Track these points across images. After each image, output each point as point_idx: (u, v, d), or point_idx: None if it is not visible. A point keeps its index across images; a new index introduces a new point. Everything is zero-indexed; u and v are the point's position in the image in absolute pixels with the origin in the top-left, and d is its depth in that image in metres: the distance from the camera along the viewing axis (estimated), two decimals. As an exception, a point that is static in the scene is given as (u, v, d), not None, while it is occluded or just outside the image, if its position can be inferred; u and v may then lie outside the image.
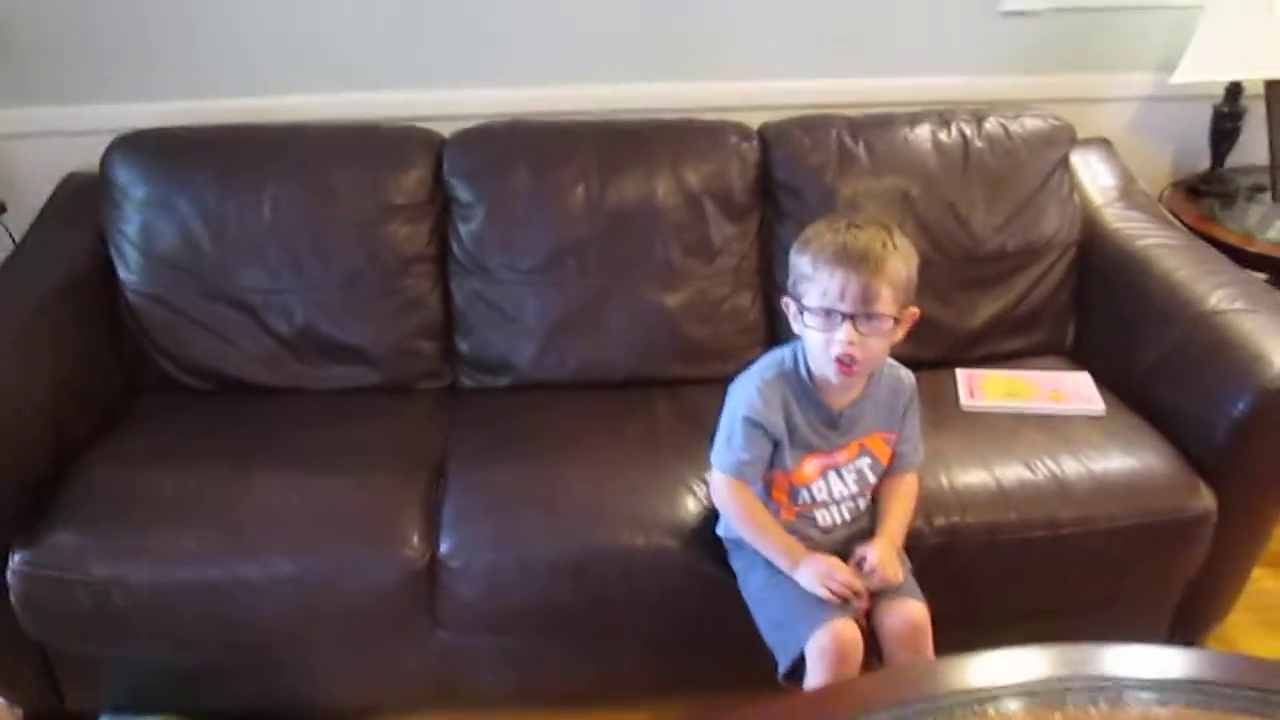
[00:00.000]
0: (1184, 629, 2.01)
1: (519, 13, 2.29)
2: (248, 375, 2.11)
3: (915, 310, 1.58)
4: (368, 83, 2.31)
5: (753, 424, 1.59)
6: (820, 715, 1.21)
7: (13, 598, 1.69)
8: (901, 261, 1.52)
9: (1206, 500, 1.82)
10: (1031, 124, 2.24)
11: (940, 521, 1.77)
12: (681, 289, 2.14)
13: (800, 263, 1.55)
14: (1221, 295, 1.95)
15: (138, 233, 2.08)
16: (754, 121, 2.24)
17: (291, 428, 1.98)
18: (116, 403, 2.06)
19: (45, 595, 1.70)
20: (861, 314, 1.50)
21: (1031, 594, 1.85)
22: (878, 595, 1.60)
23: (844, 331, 1.50)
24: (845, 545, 1.66)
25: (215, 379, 2.11)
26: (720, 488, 1.65)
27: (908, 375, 1.72)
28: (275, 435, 1.95)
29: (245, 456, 1.87)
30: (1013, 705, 1.25)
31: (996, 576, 1.81)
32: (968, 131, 2.21)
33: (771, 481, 1.65)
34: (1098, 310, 2.22)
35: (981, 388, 2.07)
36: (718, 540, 1.73)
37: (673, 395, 2.08)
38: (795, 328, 1.59)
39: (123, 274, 2.09)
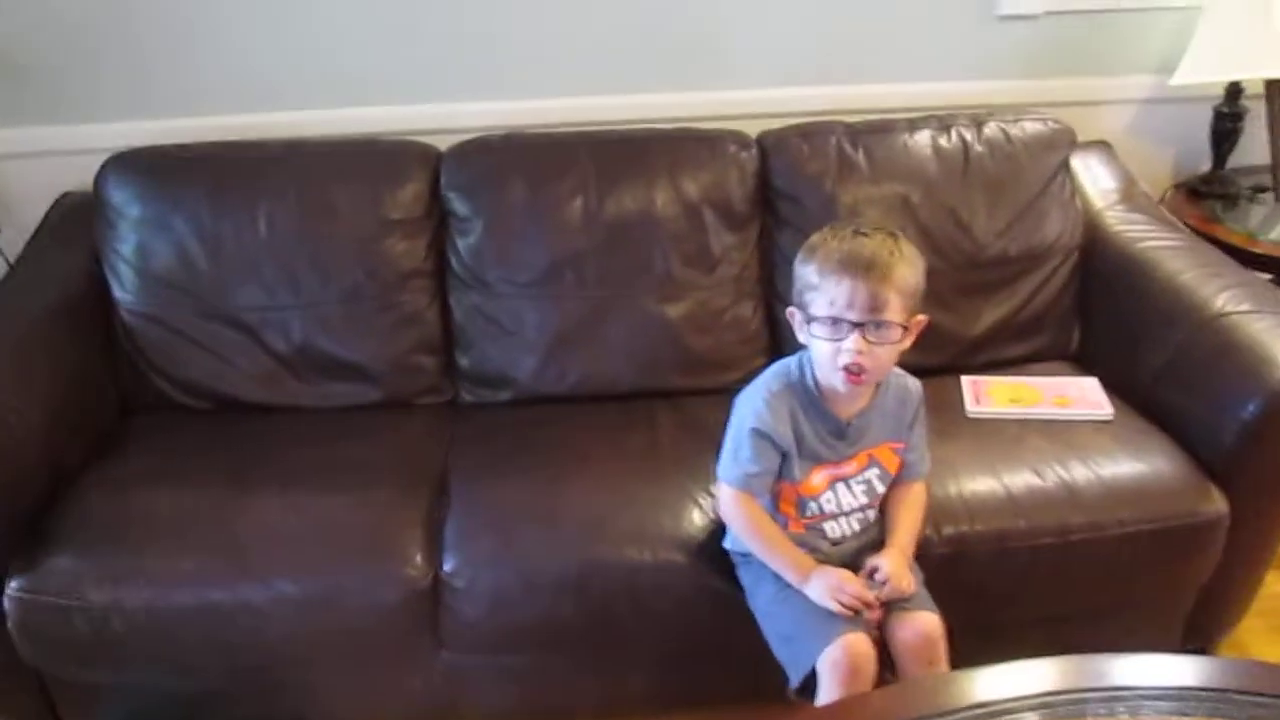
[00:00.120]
0: (1196, 635, 1.99)
1: (514, 25, 2.27)
2: (245, 394, 2.09)
3: (923, 318, 1.57)
4: (363, 97, 2.29)
5: (760, 436, 1.57)
6: (836, 732, 1.19)
7: (9, 624, 1.67)
8: (909, 268, 1.51)
9: (1218, 504, 1.80)
10: (1031, 128, 2.23)
11: (949, 530, 1.75)
12: (682, 300, 2.12)
13: (806, 272, 1.53)
14: (1227, 297, 1.93)
15: (133, 252, 2.06)
16: (752, 130, 2.23)
17: (290, 446, 1.96)
18: (112, 424, 2.04)
19: (42, 621, 1.67)
20: (870, 323, 1.48)
21: (1042, 602, 1.83)
22: (890, 607, 1.58)
23: (852, 341, 1.48)
24: (855, 557, 1.64)
25: (212, 398, 2.09)
26: (727, 501, 1.63)
27: (915, 384, 1.70)
28: (274, 454, 1.93)
29: (244, 476, 1.85)
30: (1031, 718, 1.23)
31: (1007, 585, 1.79)
32: (968, 136, 2.19)
33: (779, 494, 1.63)
34: (1102, 314, 2.20)
35: (987, 394, 2.05)
36: (725, 554, 1.71)
37: (675, 407, 2.07)
38: (801, 337, 1.58)
39: (118, 294, 2.08)
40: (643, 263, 2.11)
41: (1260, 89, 2.37)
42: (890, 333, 1.50)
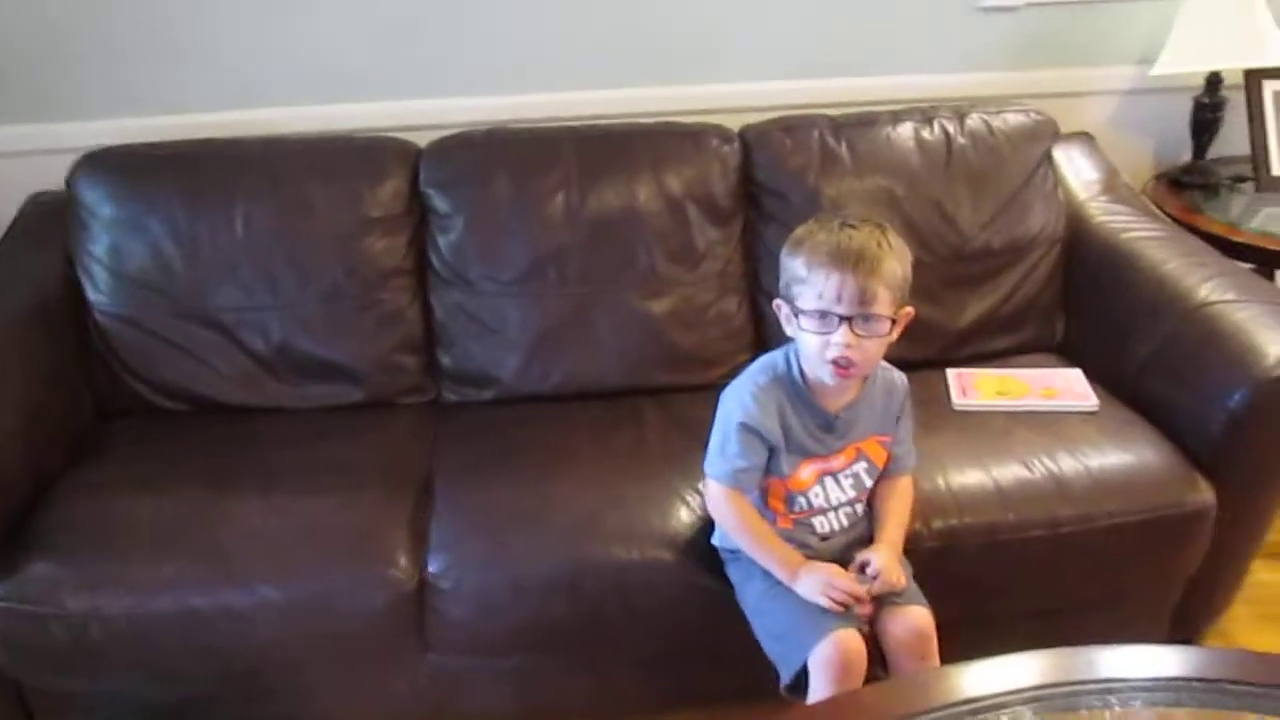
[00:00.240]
0: (1183, 625, 2.00)
1: (494, 21, 2.25)
2: (224, 396, 2.06)
3: (910, 310, 1.56)
4: (340, 94, 2.27)
5: (748, 430, 1.56)
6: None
7: (-14, 634, 1.64)
8: (897, 261, 1.50)
9: (1205, 494, 1.80)
10: (1014, 119, 2.23)
11: (938, 524, 1.74)
12: (666, 296, 2.11)
13: (793, 264, 1.52)
14: (1211, 287, 1.94)
15: (106, 252, 2.03)
16: (734, 124, 2.21)
17: (271, 448, 1.93)
18: (88, 428, 2.01)
19: (19, 630, 1.64)
20: (858, 316, 1.47)
21: (1032, 594, 1.83)
22: (881, 603, 1.57)
23: (841, 334, 1.47)
24: (844, 552, 1.63)
25: (190, 400, 2.06)
26: (716, 497, 1.61)
27: (900, 378, 1.69)
28: (254, 456, 1.90)
29: (224, 479, 1.82)
30: (1025, 712, 1.22)
31: (996, 578, 1.79)
32: (950, 129, 2.19)
33: (767, 489, 1.62)
34: (1086, 306, 2.20)
35: (974, 387, 2.04)
36: (714, 551, 1.70)
37: (661, 404, 2.05)
38: (788, 330, 1.57)
39: (91, 295, 2.04)
40: (626, 259, 2.09)
41: (1240, 79, 2.39)
42: (879, 326, 1.49)
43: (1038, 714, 1.23)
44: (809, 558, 1.59)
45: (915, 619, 1.56)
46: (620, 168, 2.10)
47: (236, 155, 2.10)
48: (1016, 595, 1.82)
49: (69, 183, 2.06)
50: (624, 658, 1.83)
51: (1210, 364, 1.83)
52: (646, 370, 2.11)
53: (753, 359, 1.70)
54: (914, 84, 2.37)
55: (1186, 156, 2.51)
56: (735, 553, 1.65)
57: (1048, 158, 2.24)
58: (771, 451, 1.58)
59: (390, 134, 2.17)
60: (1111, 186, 2.30)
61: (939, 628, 1.57)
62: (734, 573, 1.67)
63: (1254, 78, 2.38)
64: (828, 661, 1.47)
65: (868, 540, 1.64)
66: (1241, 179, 2.45)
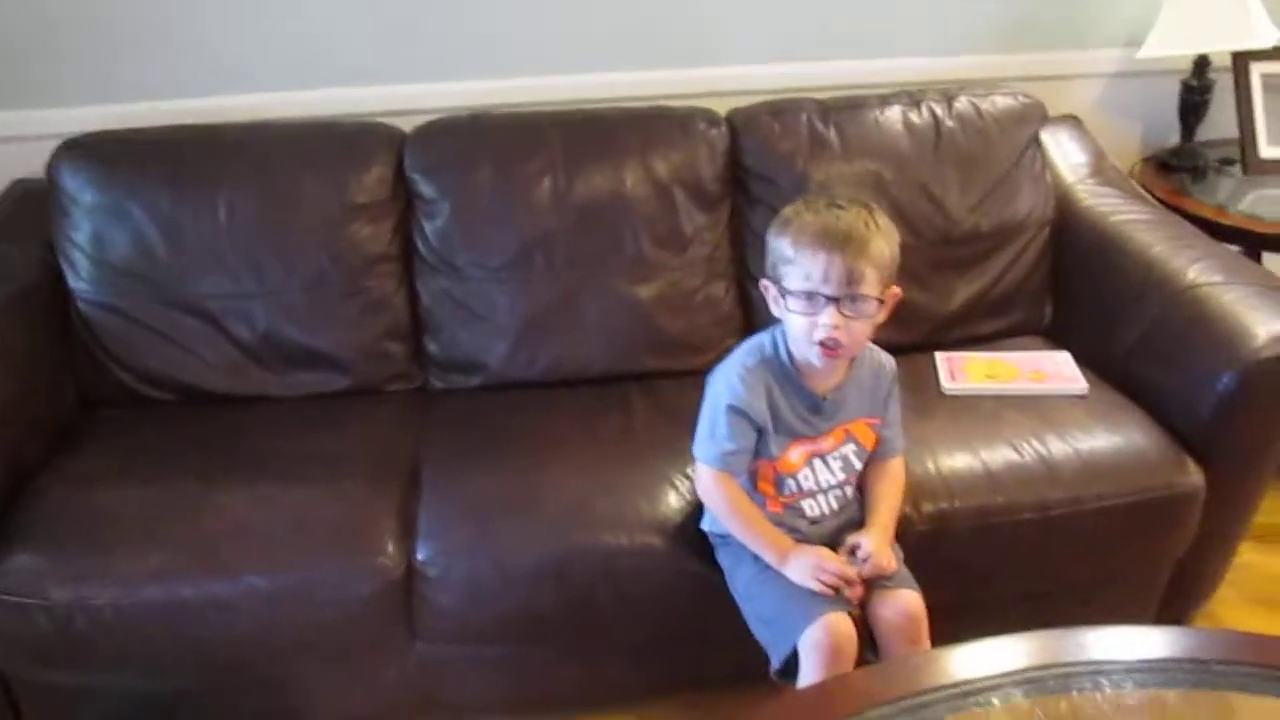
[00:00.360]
0: (1172, 607, 2.00)
1: (479, 5, 2.23)
2: (209, 384, 2.04)
3: (898, 290, 1.55)
4: (324, 79, 2.24)
5: (737, 412, 1.55)
6: (823, 715, 1.17)
7: (-31, 626, 1.62)
8: (884, 241, 1.49)
9: (1194, 476, 1.80)
10: (1002, 102, 2.22)
11: (929, 508, 1.74)
12: (654, 281, 2.10)
13: (780, 245, 1.51)
14: (1199, 269, 1.94)
15: (88, 240, 2.01)
16: (721, 109, 2.20)
17: (257, 437, 1.92)
18: (72, 417, 1.99)
19: (3, 622, 1.63)
20: (846, 296, 1.46)
21: (1022, 578, 1.83)
22: (871, 586, 1.57)
23: (828, 315, 1.46)
24: (834, 536, 1.62)
25: (175, 389, 2.04)
26: (705, 481, 1.61)
27: (888, 360, 1.69)
28: (240, 445, 1.89)
29: (210, 469, 1.81)
30: (1016, 694, 1.23)
31: (987, 561, 1.79)
32: (938, 111, 2.18)
33: (757, 472, 1.62)
34: (1074, 289, 2.20)
35: (963, 371, 2.04)
36: (703, 536, 1.69)
37: (648, 390, 2.04)
38: (775, 311, 1.56)
39: (74, 283, 2.02)
40: (613, 244, 2.08)
41: (1227, 62, 2.38)
42: (866, 306, 1.49)
43: (1029, 696, 1.23)
44: (799, 542, 1.58)
45: (906, 602, 1.56)
46: (607, 152, 2.09)
47: (220, 141, 2.08)
48: (1007, 578, 1.83)
49: (50, 169, 2.03)
50: (613, 645, 1.82)
51: (1198, 346, 1.83)
52: (634, 356, 2.10)
53: (740, 343, 1.69)
54: (902, 67, 2.36)
55: (1174, 139, 2.51)
56: (725, 537, 1.65)
57: (1036, 141, 2.24)
58: (760, 434, 1.58)
59: (375, 119, 2.15)
60: (1099, 169, 2.30)
61: (930, 611, 1.57)
62: (724, 558, 1.66)
63: (1241, 60, 2.38)
64: (818, 645, 1.47)
65: (858, 524, 1.64)
66: (1229, 161, 2.45)
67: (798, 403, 1.59)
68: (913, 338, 2.11)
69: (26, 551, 1.64)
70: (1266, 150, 2.40)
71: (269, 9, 2.17)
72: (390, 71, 2.26)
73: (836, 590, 1.52)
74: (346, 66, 2.24)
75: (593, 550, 1.69)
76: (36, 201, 2.06)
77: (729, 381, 1.57)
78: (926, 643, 1.55)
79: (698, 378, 1.69)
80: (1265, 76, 2.39)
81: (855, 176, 2.12)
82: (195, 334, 2.02)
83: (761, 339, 1.62)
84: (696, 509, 1.70)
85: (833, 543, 1.61)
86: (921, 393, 1.97)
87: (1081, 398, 1.94)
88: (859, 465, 1.66)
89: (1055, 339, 2.18)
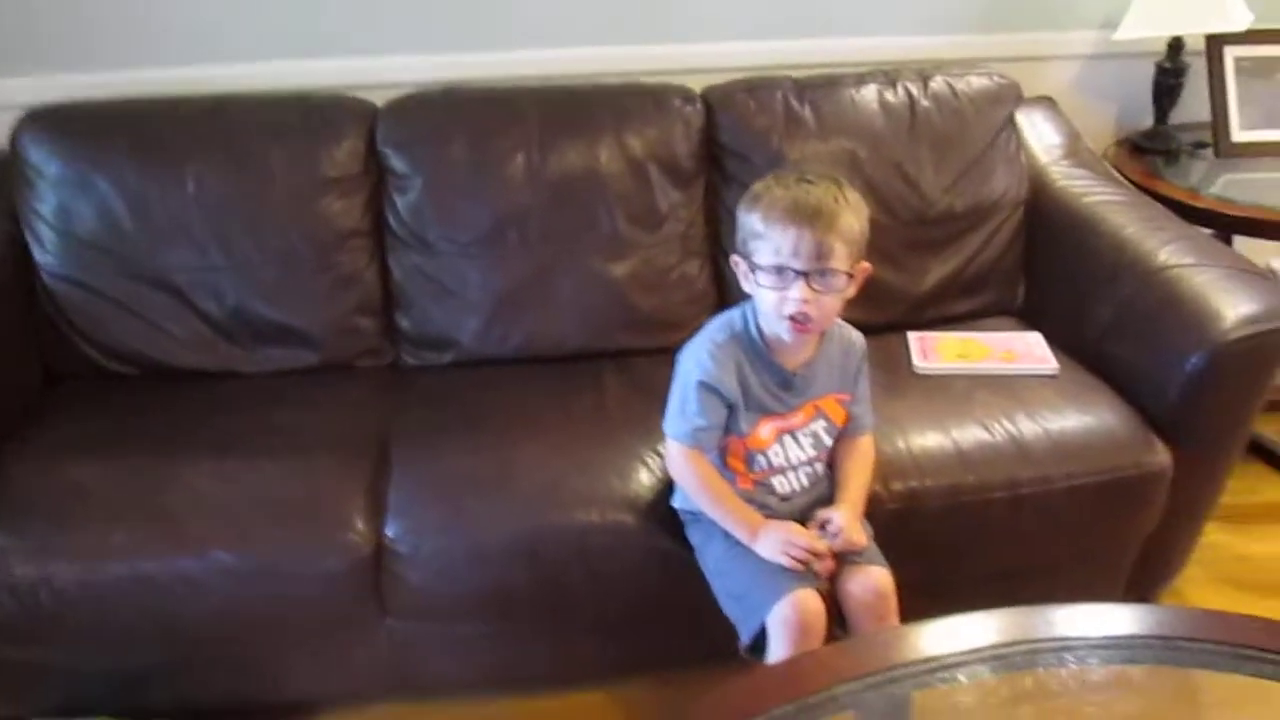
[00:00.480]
0: (1139, 586, 2.02)
1: (452, -24, 2.20)
2: (177, 359, 2.02)
3: (867, 265, 1.55)
4: (295, 50, 2.20)
5: (707, 388, 1.55)
6: (791, 690, 1.17)
7: (-69, 602, 1.60)
8: (854, 216, 1.49)
9: (1162, 456, 1.82)
10: (978, 83, 2.21)
11: (899, 486, 1.74)
12: (628, 258, 2.09)
13: (750, 220, 1.51)
14: (1170, 251, 1.94)
15: (53, 213, 1.98)
16: (697, 85, 2.18)
17: (225, 413, 1.90)
18: (36, 392, 1.96)
19: (-35, 598, 1.61)
20: (815, 271, 1.46)
21: (991, 556, 1.84)
22: (841, 563, 1.57)
23: (798, 289, 1.46)
24: (805, 513, 1.62)
25: (142, 364, 2.02)
26: (676, 457, 1.61)
27: (858, 336, 1.70)
28: (208, 421, 1.87)
29: (177, 444, 1.79)
30: (983, 670, 1.23)
31: (957, 539, 1.79)
32: (914, 91, 2.18)
33: (727, 448, 1.62)
34: (1047, 269, 2.21)
35: (935, 350, 2.05)
36: (674, 514, 1.69)
37: (621, 367, 2.04)
38: (746, 287, 1.56)
39: (38, 256, 1.99)
40: (587, 221, 2.07)
41: (1201, 45, 2.38)
42: (836, 280, 1.48)
43: (995, 672, 1.25)
44: (769, 518, 1.58)
45: (875, 579, 1.56)
46: (581, 128, 2.07)
47: (188, 113, 2.05)
48: (976, 556, 1.83)
49: (13, 140, 1.99)
50: (584, 622, 1.82)
51: (1168, 328, 1.84)
52: (607, 333, 2.09)
53: (711, 320, 1.68)
54: (878, 46, 2.35)
55: (1148, 122, 2.51)
56: (696, 514, 1.65)
57: (1011, 121, 2.24)
58: (730, 410, 1.58)
59: (347, 92, 2.12)
60: (1074, 151, 2.30)
61: (899, 589, 1.57)
62: (694, 535, 1.66)
63: (1215, 43, 2.39)
64: (786, 621, 1.47)
65: (828, 501, 1.64)
66: (1202, 145, 2.45)
67: (768, 379, 1.59)
68: (886, 317, 2.12)
69: (-11, 527, 1.62)
70: (1238, 134, 2.40)
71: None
72: (363, 44, 2.22)
73: (806, 565, 1.52)
74: (318, 38, 2.21)
75: (564, 527, 1.68)
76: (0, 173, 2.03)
77: (699, 358, 1.57)
78: (895, 619, 1.56)
79: (671, 355, 1.67)
80: (1238, 60, 2.39)
81: (830, 155, 2.11)
82: (162, 308, 2.00)
83: (732, 315, 1.61)
84: (668, 486, 1.70)
85: (803, 519, 1.61)
86: (894, 372, 1.97)
87: (1052, 378, 1.95)
88: (829, 442, 1.67)
89: (1028, 319, 2.19)
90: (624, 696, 1.90)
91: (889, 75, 2.20)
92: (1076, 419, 1.84)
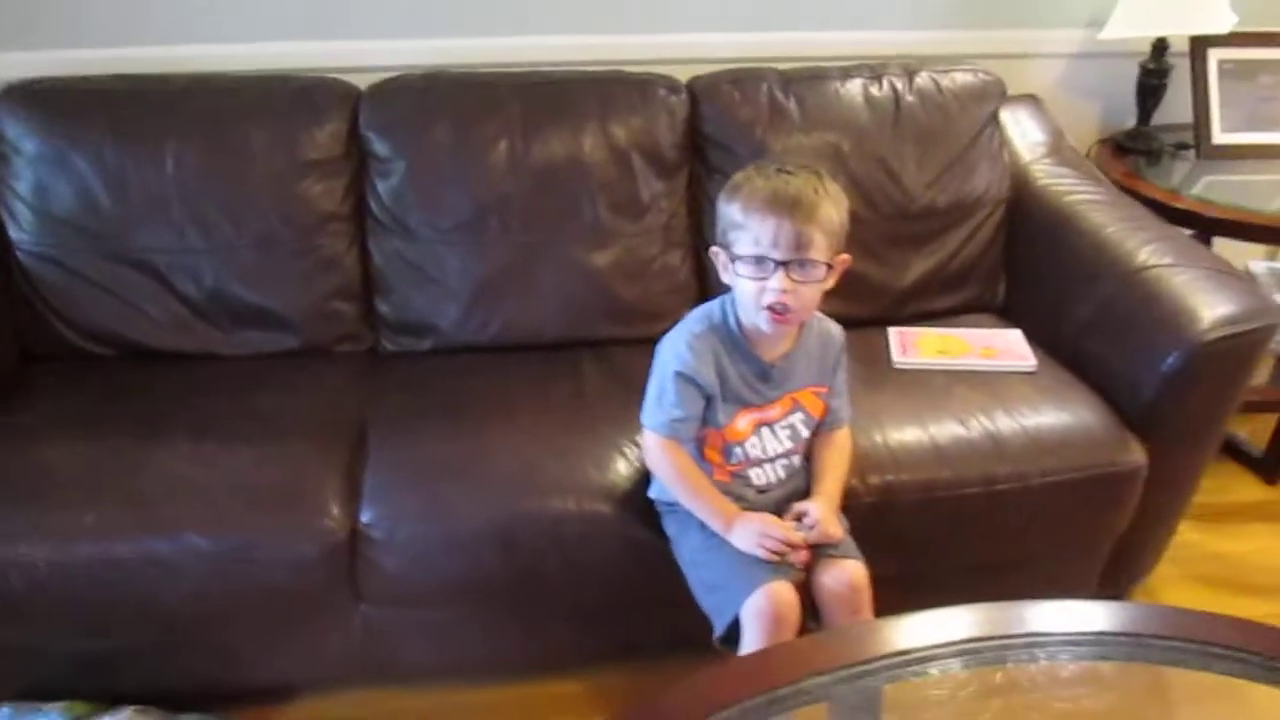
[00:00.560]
0: (1111, 583, 2.03)
1: (437, -40, 2.19)
2: (154, 341, 2.01)
3: (846, 256, 1.55)
4: (278, 32, 2.19)
5: (684, 379, 1.55)
6: (764, 682, 1.17)
7: (-101, 583, 1.58)
8: (833, 207, 1.49)
9: (1137, 454, 1.82)
10: (962, 79, 2.22)
11: (875, 480, 1.75)
12: (610, 248, 2.08)
13: (730, 210, 1.51)
14: (1150, 251, 1.95)
15: (30, 190, 1.96)
16: (683, 76, 2.18)
17: (201, 395, 1.89)
18: (11, 371, 1.94)
19: (-67, 579, 1.59)
20: (795, 261, 1.46)
21: (966, 551, 1.85)
22: (816, 555, 1.58)
23: (777, 279, 1.46)
24: (781, 505, 1.63)
25: (118, 345, 2.01)
26: (653, 448, 1.61)
27: (837, 329, 1.70)
28: (184, 403, 1.86)
29: (152, 426, 1.78)
30: (954, 665, 1.24)
31: (932, 534, 1.80)
32: (899, 86, 2.18)
33: (704, 440, 1.62)
34: (1027, 267, 2.21)
35: (914, 345, 2.05)
36: (651, 504, 1.69)
37: (601, 357, 2.04)
38: (725, 278, 1.56)
39: (14, 233, 1.97)
40: (570, 209, 2.06)
41: (1186, 47, 2.39)
42: (815, 271, 1.48)
43: (967, 667, 1.25)
44: (746, 510, 1.59)
45: (849, 573, 1.56)
46: (565, 116, 2.06)
47: (169, 92, 2.02)
48: (951, 551, 1.84)
49: (-10, 116, 1.97)
50: (559, 611, 1.82)
51: (1146, 327, 1.85)
52: (588, 322, 2.09)
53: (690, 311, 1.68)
54: (864, 40, 2.35)
55: (1131, 122, 2.52)
56: (672, 505, 1.64)
57: (995, 118, 2.24)
58: (708, 401, 1.58)
59: (330, 75, 2.10)
60: (1057, 149, 2.31)
61: (874, 582, 1.58)
62: (670, 525, 1.66)
63: (1199, 45, 2.40)
64: (760, 613, 1.48)
65: (805, 493, 1.65)
66: (1184, 146, 2.47)
67: (746, 370, 1.59)
68: (867, 312, 2.12)
69: (-41, 507, 1.61)
70: (1220, 136, 2.42)
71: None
72: (347, 27, 2.21)
73: (782, 556, 1.52)
74: (302, 20, 2.19)
75: (540, 516, 1.68)
76: (-26, 149, 2.01)
77: (677, 349, 1.57)
78: (869, 613, 1.56)
79: (652, 346, 1.67)
80: (1221, 62, 2.41)
81: (814, 148, 2.11)
82: (140, 289, 1.99)
83: (710, 307, 1.61)
84: (645, 476, 1.70)
85: (779, 511, 1.61)
86: (873, 366, 1.97)
87: (1031, 375, 1.96)
88: (806, 434, 1.67)
89: (1008, 316, 2.20)
90: (598, 685, 1.89)
91: (874, 70, 2.20)
92: (1053, 416, 1.84)
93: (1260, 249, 2.72)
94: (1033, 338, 2.06)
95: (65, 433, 1.76)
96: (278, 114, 2.01)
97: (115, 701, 1.73)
